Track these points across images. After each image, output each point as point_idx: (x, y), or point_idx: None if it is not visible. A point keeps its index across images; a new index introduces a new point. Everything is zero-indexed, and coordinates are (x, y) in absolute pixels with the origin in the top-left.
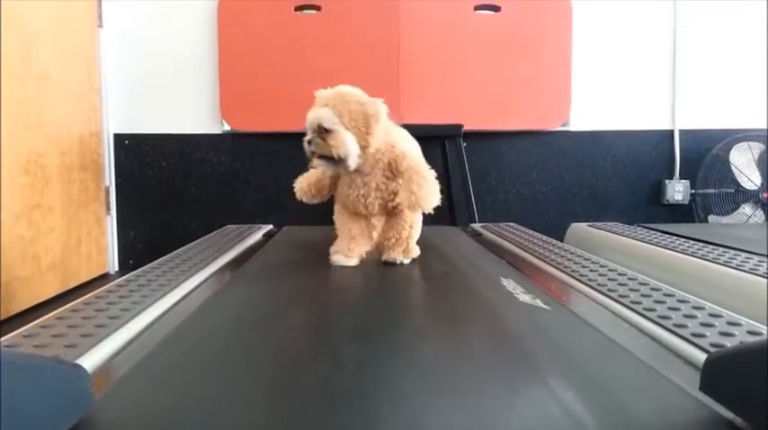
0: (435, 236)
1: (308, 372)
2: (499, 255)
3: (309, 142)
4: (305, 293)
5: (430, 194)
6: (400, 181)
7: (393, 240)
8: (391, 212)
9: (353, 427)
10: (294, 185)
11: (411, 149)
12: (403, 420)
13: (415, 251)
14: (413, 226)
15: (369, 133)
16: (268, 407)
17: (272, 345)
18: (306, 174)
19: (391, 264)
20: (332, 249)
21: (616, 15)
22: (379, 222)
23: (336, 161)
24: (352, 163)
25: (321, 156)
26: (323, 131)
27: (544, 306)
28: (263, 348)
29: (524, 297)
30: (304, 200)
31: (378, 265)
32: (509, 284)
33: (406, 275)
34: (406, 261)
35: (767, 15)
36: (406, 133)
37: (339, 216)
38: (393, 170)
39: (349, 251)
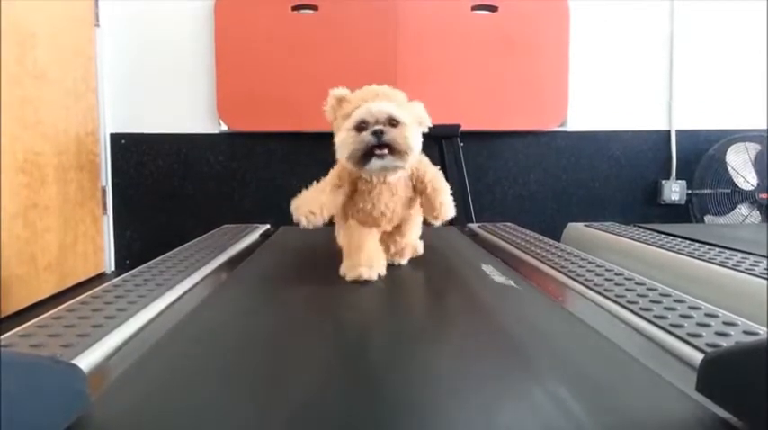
0: (433, 236)
1: (309, 371)
2: (494, 254)
3: (377, 133)
4: (307, 291)
5: (452, 207)
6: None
7: (404, 245)
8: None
9: None
10: (294, 211)
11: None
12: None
13: (420, 248)
14: (418, 226)
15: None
16: (266, 406)
17: (269, 345)
18: (308, 197)
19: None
20: (346, 264)
21: (613, 15)
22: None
23: (400, 154)
24: (413, 160)
25: (383, 146)
26: (392, 124)
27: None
28: (261, 347)
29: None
30: (310, 226)
31: None
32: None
33: (409, 274)
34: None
35: (766, 16)
36: None
37: (354, 230)
38: (413, 179)
39: (373, 262)
